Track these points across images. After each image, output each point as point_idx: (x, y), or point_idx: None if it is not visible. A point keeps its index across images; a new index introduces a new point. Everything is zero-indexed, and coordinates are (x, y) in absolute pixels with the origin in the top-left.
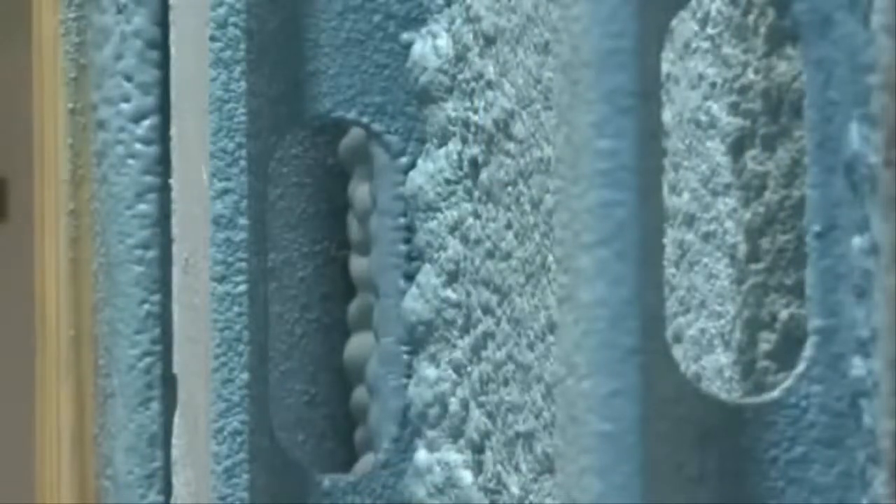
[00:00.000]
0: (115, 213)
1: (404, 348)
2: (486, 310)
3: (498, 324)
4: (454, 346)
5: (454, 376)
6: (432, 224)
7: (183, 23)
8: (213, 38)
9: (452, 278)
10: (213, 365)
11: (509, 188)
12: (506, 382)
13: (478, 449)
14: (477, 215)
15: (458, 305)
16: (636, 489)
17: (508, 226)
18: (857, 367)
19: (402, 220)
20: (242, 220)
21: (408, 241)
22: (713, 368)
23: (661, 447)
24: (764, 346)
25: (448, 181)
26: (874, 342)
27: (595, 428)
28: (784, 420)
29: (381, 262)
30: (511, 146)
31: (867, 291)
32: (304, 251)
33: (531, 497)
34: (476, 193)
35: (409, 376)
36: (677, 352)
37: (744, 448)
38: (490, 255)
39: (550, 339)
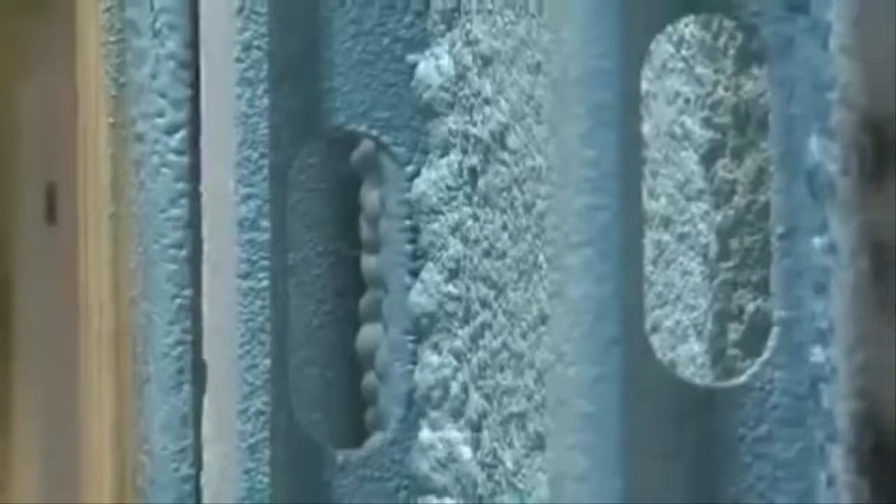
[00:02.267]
0: (151, 216)
1: (410, 337)
2: (484, 303)
3: (494, 316)
4: (455, 335)
5: (455, 363)
6: (435, 226)
7: (212, 46)
8: (238, 60)
9: (453, 275)
10: (239, 352)
11: (504, 194)
12: (501, 368)
13: (476, 428)
14: (475, 218)
15: (458, 299)
16: (618, 465)
17: (504, 227)
18: (817, 354)
19: (407, 223)
20: (265, 223)
21: (413, 241)
22: (687, 356)
23: (640, 427)
24: (732, 336)
25: (449, 187)
26: (832, 332)
27: (581, 410)
28: (750, 402)
29: (389, 260)
30: (506, 156)
31: (826, 286)
32: (319, 250)
33: (524, 471)
34: (475, 198)
35: (414, 363)
36: (655, 341)
37: (715, 428)
38: (487, 253)
39: (541, 329)
